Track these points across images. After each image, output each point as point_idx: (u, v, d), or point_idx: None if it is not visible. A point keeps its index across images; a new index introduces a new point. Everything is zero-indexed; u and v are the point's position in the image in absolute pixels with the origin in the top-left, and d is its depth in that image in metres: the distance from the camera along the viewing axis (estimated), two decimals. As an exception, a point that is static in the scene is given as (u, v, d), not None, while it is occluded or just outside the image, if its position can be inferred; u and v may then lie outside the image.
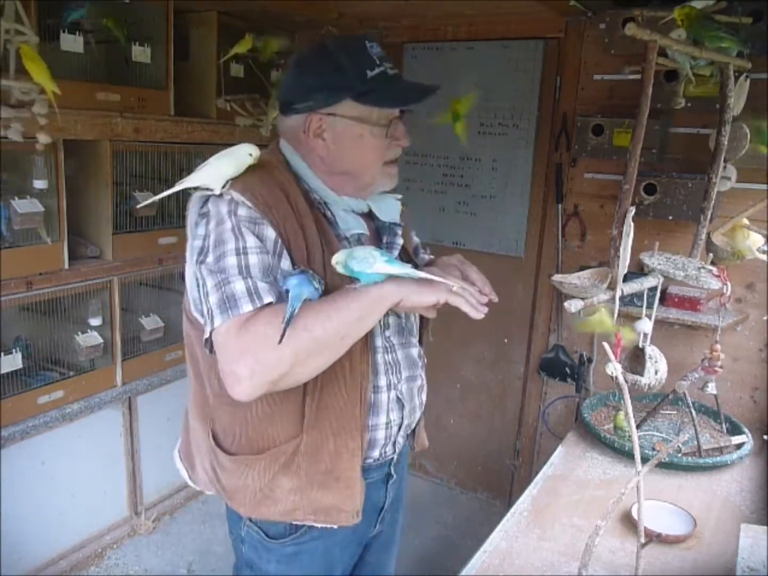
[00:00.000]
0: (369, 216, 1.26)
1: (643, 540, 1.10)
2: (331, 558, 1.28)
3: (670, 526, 1.47)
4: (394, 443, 1.28)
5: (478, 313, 1.08)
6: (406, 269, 1.05)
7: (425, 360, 1.37)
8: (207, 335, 1.03)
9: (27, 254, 2.06)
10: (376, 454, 1.25)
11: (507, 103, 2.64)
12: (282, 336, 0.95)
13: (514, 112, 2.64)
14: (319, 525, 1.20)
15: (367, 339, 1.14)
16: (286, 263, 1.07)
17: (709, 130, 1.91)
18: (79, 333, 2.26)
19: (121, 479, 2.56)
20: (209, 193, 1.10)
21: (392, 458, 1.32)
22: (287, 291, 1.00)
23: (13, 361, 2.05)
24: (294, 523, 1.21)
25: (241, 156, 1.10)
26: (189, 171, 2.73)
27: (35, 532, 2.27)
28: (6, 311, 2.06)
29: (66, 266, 2.18)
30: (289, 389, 1.07)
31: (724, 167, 1.95)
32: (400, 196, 1.32)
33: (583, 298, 1.42)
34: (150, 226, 2.48)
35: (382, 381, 1.21)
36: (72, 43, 2.05)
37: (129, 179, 2.40)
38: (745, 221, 1.78)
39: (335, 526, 1.20)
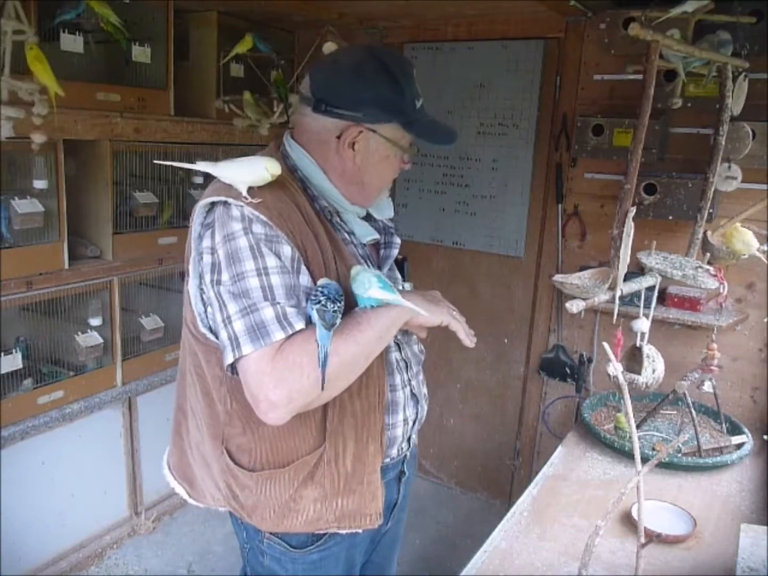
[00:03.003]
0: (365, 218, 1.28)
1: (643, 540, 1.10)
2: (352, 560, 1.30)
3: (670, 526, 1.47)
4: (409, 439, 1.31)
5: (470, 342, 1.20)
6: (397, 298, 1.07)
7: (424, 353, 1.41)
8: (231, 360, 1.00)
9: (27, 254, 2.06)
10: (394, 452, 1.27)
11: (507, 103, 2.64)
12: (322, 381, 0.98)
13: (514, 112, 2.64)
14: (343, 531, 1.19)
15: None
16: (305, 279, 1.05)
17: (709, 130, 1.91)
18: (79, 333, 2.26)
19: (121, 479, 2.56)
20: (214, 199, 1.06)
21: (406, 455, 1.33)
22: (310, 318, 1.02)
23: (13, 361, 2.05)
24: (316, 532, 1.20)
25: (259, 170, 1.04)
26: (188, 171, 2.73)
27: (35, 532, 2.27)
28: (6, 311, 2.06)
29: (66, 266, 2.18)
30: None
31: (729, 167, 1.95)
32: (387, 192, 1.34)
33: (584, 299, 1.42)
34: (150, 226, 2.48)
35: (397, 379, 1.24)
36: (72, 43, 2.05)
37: (129, 179, 2.40)
38: (737, 225, 1.79)
39: (360, 531, 1.20)
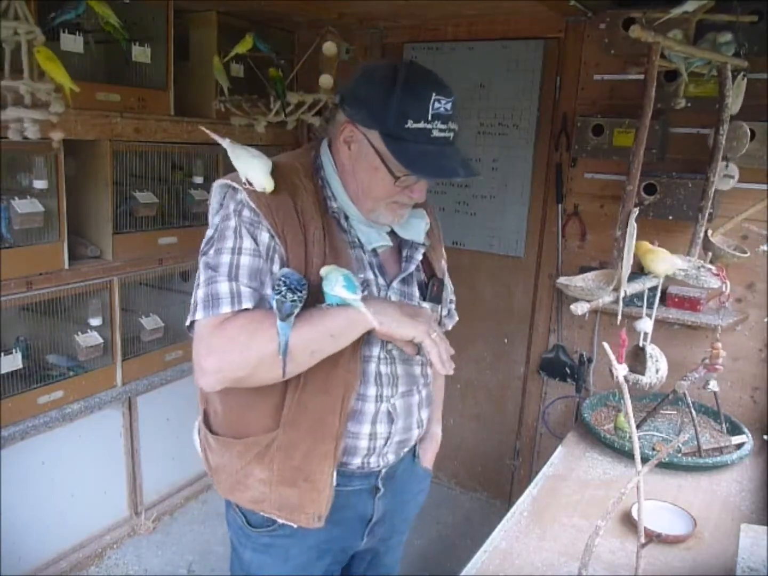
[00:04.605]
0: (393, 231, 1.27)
1: (643, 540, 1.10)
2: (306, 561, 1.28)
3: (670, 526, 1.48)
4: (381, 456, 1.26)
5: (443, 368, 1.11)
6: (356, 299, 1.06)
7: (429, 378, 1.35)
8: (187, 322, 1.10)
9: (27, 254, 2.06)
10: (357, 461, 1.23)
11: (507, 103, 2.64)
12: (284, 367, 1.03)
13: (514, 112, 2.64)
14: (281, 521, 1.22)
15: (358, 347, 1.15)
16: (277, 267, 1.11)
17: (710, 129, 1.91)
18: (79, 333, 2.26)
19: (121, 479, 2.56)
20: (226, 182, 1.15)
21: (379, 471, 1.28)
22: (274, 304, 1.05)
23: (13, 361, 2.05)
24: (262, 513, 1.24)
25: (259, 178, 1.12)
26: (188, 171, 2.74)
27: (35, 532, 2.27)
28: (6, 311, 2.06)
29: (66, 266, 2.18)
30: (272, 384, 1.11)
31: (726, 166, 1.95)
32: (426, 219, 1.31)
33: (588, 300, 1.42)
34: (150, 226, 2.48)
35: (371, 391, 1.20)
36: (72, 43, 2.05)
37: (129, 179, 2.40)
38: (650, 247, 1.64)
39: (295, 525, 1.21)
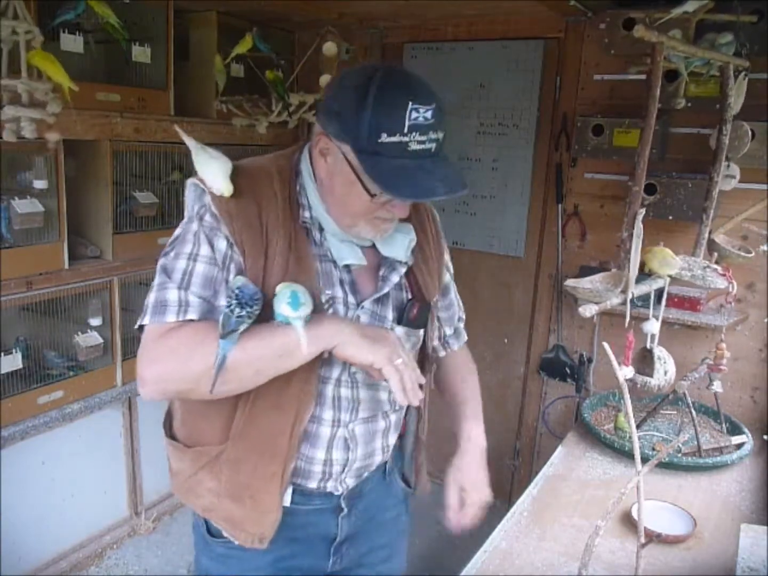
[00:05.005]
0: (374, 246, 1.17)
1: (643, 540, 1.10)
2: None
3: (670, 526, 1.48)
4: (339, 481, 1.20)
5: (405, 399, 1.02)
6: (296, 318, 0.99)
7: (398, 404, 1.20)
8: (137, 325, 1.06)
9: (27, 254, 2.06)
10: (312, 485, 1.18)
11: (507, 103, 2.64)
12: (213, 383, 0.98)
13: (514, 112, 2.64)
14: (225, 535, 1.18)
15: (315, 367, 1.08)
16: (231, 276, 1.06)
17: (710, 129, 1.91)
18: (79, 333, 2.26)
19: (121, 479, 2.56)
20: (195, 181, 1.10)
21: (340, 494, 1.22)
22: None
23: (13, 361, 2.05)
24: (213, 523, 1.21)
25: (218, 182, 1.06)
26: (188, 171, 2.73)
27: (35, 532, 2.27)
28: (6, 311, 2.06)
29: (66, 266, 2.18)
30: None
31: (728, 166, 1.95)
32: (412, 235, 1.18)
33: (596, 302, 1.41)
34: (150, 226, 2.48)
35: (326, 414, 1.14)
36: (72, 43, 2.05)
37: (129, 179, 2.40)
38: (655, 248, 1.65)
39: (236, 542, 1.17)
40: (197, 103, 2.62)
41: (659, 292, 1.56)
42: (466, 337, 1.47)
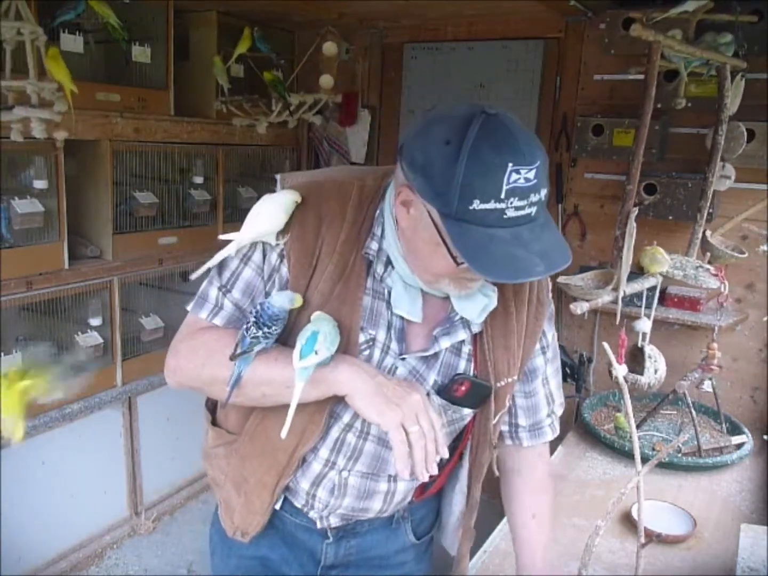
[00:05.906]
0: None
1: (643, 540, 1.10)
2: (250, 567, 1.22)
3: (670, 526, 1.48)
4: (321, 518, 1.14)
5: (405, 471, 0.91)
6: (301, 366, 0.91)
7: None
8: (187, 307, 1.07)
9: (27, 254, 2.06)
10: (297, 504, 1.14)
11: (507, 103, 2.64)
12: (227, 398, 0.98)
13: (514, 112, 2.64)
14: (220, 516, 1.21)
15: (329, 402, 1.00)
16: (275, 290, 1.03)
17: (709, 129, 1.91)
18: (79, 333, 2.26)
19: (121, 479, 2.56)
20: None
21: (324, 527, 1.16)
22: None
23: (13, 361, 2.05)
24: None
25: (289, 203, 1.00)
26: (188, 171, 2.73)
27: (35, 532, 2.27)
28: (6, 311, 2.06)
29: (66, 266, 2.18)
30: None
31: (723, 166, 1.95)
32: (492, 298, 1.01)
33: (587, 300, 1.42)
34: (150, 226, 2.48)
35: (323, 453, 1.07)
36: (72, 43, 2.05)
37: (129, 179, 2.40)
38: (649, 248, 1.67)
39: (222, 526, 1.19)
40: (197, 103, 2.62)
41: (662, 292, 1.56)
42: (550, 437, 1.27)
